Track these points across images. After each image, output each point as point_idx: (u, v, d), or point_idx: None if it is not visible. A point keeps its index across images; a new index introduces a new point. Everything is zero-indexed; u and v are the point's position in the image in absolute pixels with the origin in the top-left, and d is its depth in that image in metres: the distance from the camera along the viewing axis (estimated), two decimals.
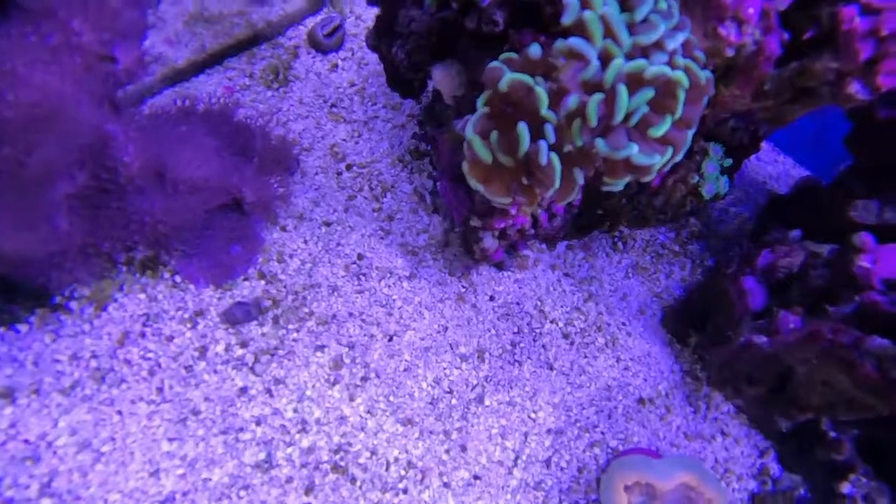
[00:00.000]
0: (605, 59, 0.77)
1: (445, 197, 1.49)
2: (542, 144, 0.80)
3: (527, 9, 1.08)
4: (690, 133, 0.84)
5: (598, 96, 0.76)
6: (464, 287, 1.59)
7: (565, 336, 1.61)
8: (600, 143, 0.79)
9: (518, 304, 1.62)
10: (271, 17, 1.89)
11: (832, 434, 1.51)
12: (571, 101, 0.79)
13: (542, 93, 0.79)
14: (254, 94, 1.74)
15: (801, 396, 1.29)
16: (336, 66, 1.87)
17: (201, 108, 1.57)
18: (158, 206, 1.18)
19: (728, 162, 1.53)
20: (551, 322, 1.62)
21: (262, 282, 1.43)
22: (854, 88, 1.04)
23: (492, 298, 1.61)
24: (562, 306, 1.66)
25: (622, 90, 0.76)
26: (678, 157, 0.84)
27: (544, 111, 0.80)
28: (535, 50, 0.83)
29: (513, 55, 0.88)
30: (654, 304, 1.79)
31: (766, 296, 1.45)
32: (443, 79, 1.34)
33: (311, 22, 1.96)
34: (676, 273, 1.86)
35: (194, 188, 1.21)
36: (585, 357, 1.60)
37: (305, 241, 1.52)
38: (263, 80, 1.78)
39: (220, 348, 1.31)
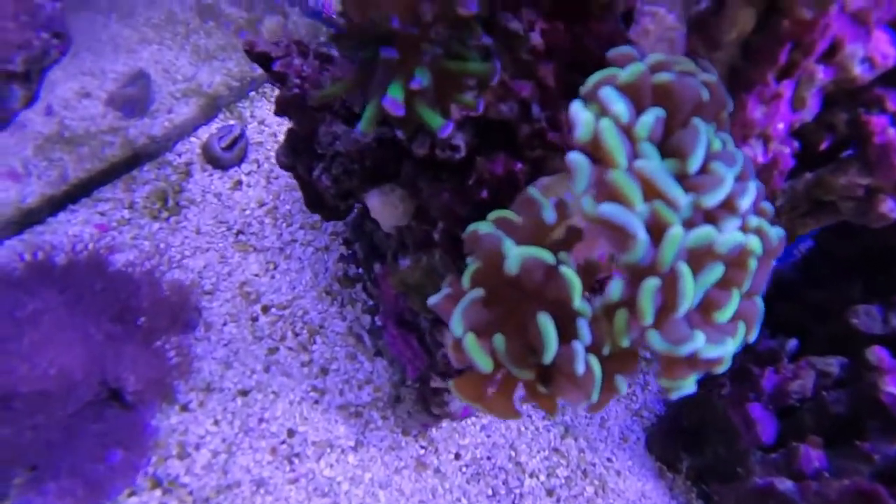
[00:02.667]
0: (655, 228, 0.52)
1: (393, 346, 1.20)
2: (577, 349, 0.54)
3: (496, 128, 0.85)
4: (760, 300, 0.62)
5: (653, 283, 0.52)
6: (422, 447, 1.29)
7: (549, 493, 1.33)
8: (656, 339, 0.54)
9: (489, 457, 1.33)
10: (154, 131, 1.57)
11: None
12: (614, 291, 0.54)
13: (573, 278, 0.54)
14: (136, 228, 1.40)
15: None
16: (239, 183, 1.57)
17: (61, 261, 1.21)
18: None
19: None
20: (531, 476, 1.34)
21: (158, 492, 1.06)
22: (888, 207, 0.88)
23: (457, 457, 1.31)
24: (539, 451, 1.39)
25: (686, 274, 0.52)
26: (752, 337, 0.61)
27: (578, 303, 0.54)
28: (549, 215, 0.58)
29: (508, 215, 0.62)
30: (636, 426, 1.56)
31: (777, 425, 1.25)
32: (382, 208, 1.07)
33: (204, 133, 1.66)
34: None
35: (42, 395, 0.85)
36: None
37: (216, 422, 1.17)
38: (148, 211, 1.44)
39: None
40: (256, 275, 1.41)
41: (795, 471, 1.18)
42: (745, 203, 0.55)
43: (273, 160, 1.64)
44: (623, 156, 0.53)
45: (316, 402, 1.25)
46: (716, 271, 0.55)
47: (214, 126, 1.68)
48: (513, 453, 1.36)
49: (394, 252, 1.18)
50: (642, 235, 0.53)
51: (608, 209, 0.52)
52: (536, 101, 0.81)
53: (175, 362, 1.15)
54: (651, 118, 0.54)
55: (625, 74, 0.55)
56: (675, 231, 0.53)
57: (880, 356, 1.15)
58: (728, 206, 0.55)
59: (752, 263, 0.58)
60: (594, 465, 1.42)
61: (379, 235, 1.40)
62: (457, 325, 0.61)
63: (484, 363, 0.60)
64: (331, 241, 1.54)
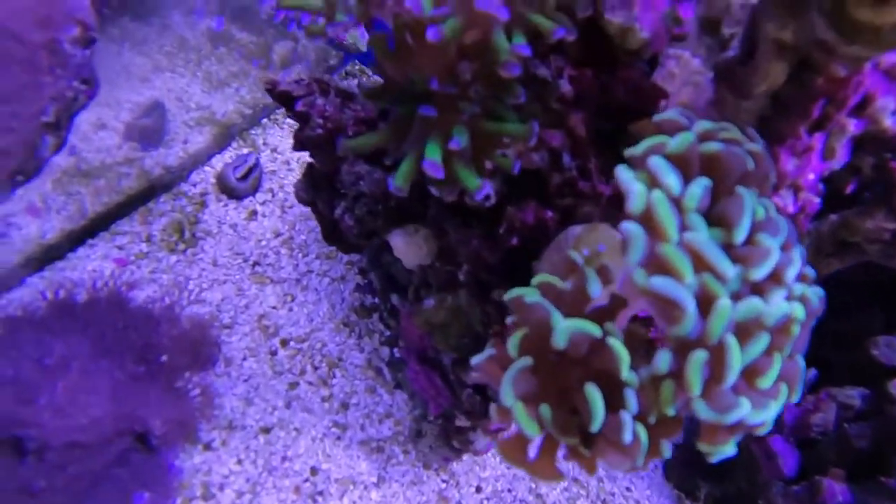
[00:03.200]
0: (703, 300, 0.53)
1: (415, 382, 1.20)
2: (625, 419, 0.55)
3: (526, 176, 0.85)
4: (802, 359, 0.62)
5: (701, 357, 0.52)
6: (444, 481, 1.29)
7: None
8: (702, 409, 0.55)
9: (510, 490, 1.33)
10: (169, 161, 1.57)
11: None
12: (661, 363, 0.54)
13: (622, 351, 0.54)
14: (154, 262, 1.40)
15: None
16: (254, 213, 1.57)
17: (83, 298, 1.21)
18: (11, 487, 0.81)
19: None
20: None
21: None
22: None
23: (478, 490, 1.31)
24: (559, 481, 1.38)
25: (734, 347, 0.52)
26: (795, 397, 0.61)
27: (626, 374, 0.54)
28: (594, 290, 0.58)
29: (553, 282, 0.62)
30: None
31: (798, 458, 1.25)
32: (406, 248, 1.07)
33: (218, 161, 1.66)
34: None
35: (74, 446, 0.85)
36: None
37: (239, 461, 1.17)
38: (165, 243, 1.44)
39: None
40: (274, 307, 1.41)
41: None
42: (792, 274, 0.56)
43: (287, 189, 1.64)
44: (675, 230, 0.53)
45: (338, 437, 1.25)
46: (762, 342, 0.55)
47: (228, 155, 1.69)
48: (533, 485, 1.36)
49: (415, 289, 1.18)
50: (692, 309, 0.53)
51: (660, 283, 0.53)
52: (567, 151, 0.82)
53: (198, 402, 1.14)
54: (699, 190, 0.54)
55: (674, 144, 0.56)
56: (724, 304, 0.53)
57: None
58: (775, 278, 0.55)
59: (796, 329, 0.58)
60: (613, 494, 1.42)
61: (396, 267, 1.40)
62: (507, 394, 0.61)
63: (532, 431, 0.60)
64: (346, 271, 1.54)
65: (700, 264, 0.54)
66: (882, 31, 0.60)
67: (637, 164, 0.57)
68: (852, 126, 0.75)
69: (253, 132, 1.77)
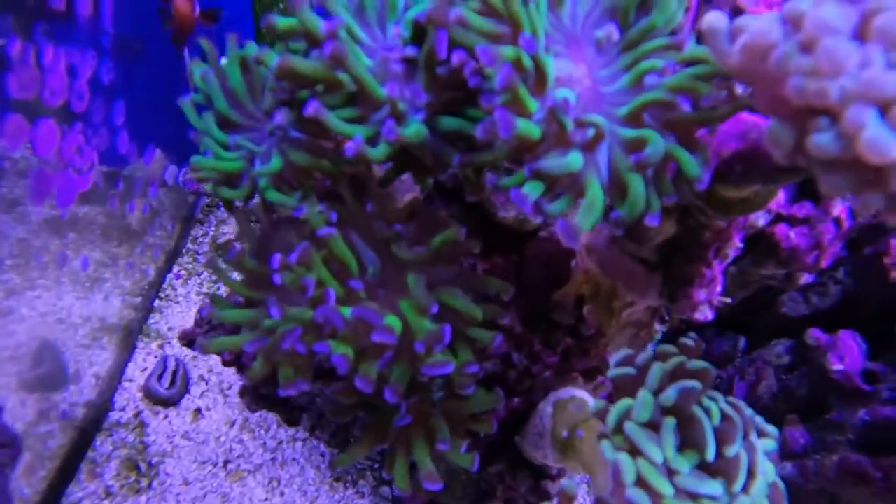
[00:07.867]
0: None
1: None
2: None
3: (485, 379, 0.90)
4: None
5: None
6: None
7: None
8: None
9: None
10: (86, 396, 1.48)
11: None
12: None
13: None
14: None
15: None
16: (199, 411, 1.53)
17: None
18: None
19: None
20: None
21: None
22: (805, 278, 1.04)
23: None
24: None
25: None
26: None
27: None
28: None
29: None
30: None
31: None
32: None
33: (133, 369, 1.58)
34: None
35: None
36: None
37: None
38: (127, 488, 1.38)
39: None
40: (266, 499, 1.41)
41: (786, 453, 1.37)
42: (761, 463, 0.66)
43: (216, 370, 1.60)
44: (669, 487, 0.61)
45: None
46: None
47: (139, 357, 1.61)
48: None
49: None
50: None
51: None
52: (513, 349, 0.88)
53: None
54: (672, 438, 0.63)
55: (642, 413, 0.63)
56: None
57: (817, 336, 1.35)
58: (751, 474, 0.65)
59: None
60: None
61: None
62: None
63: None
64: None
65: (695, 498, 0.63)
66: (748, 199, 0.70)
67: (613, 431, 0.65)
68: (738, 241, 0.86)
69: (151, 321, 1.68)
